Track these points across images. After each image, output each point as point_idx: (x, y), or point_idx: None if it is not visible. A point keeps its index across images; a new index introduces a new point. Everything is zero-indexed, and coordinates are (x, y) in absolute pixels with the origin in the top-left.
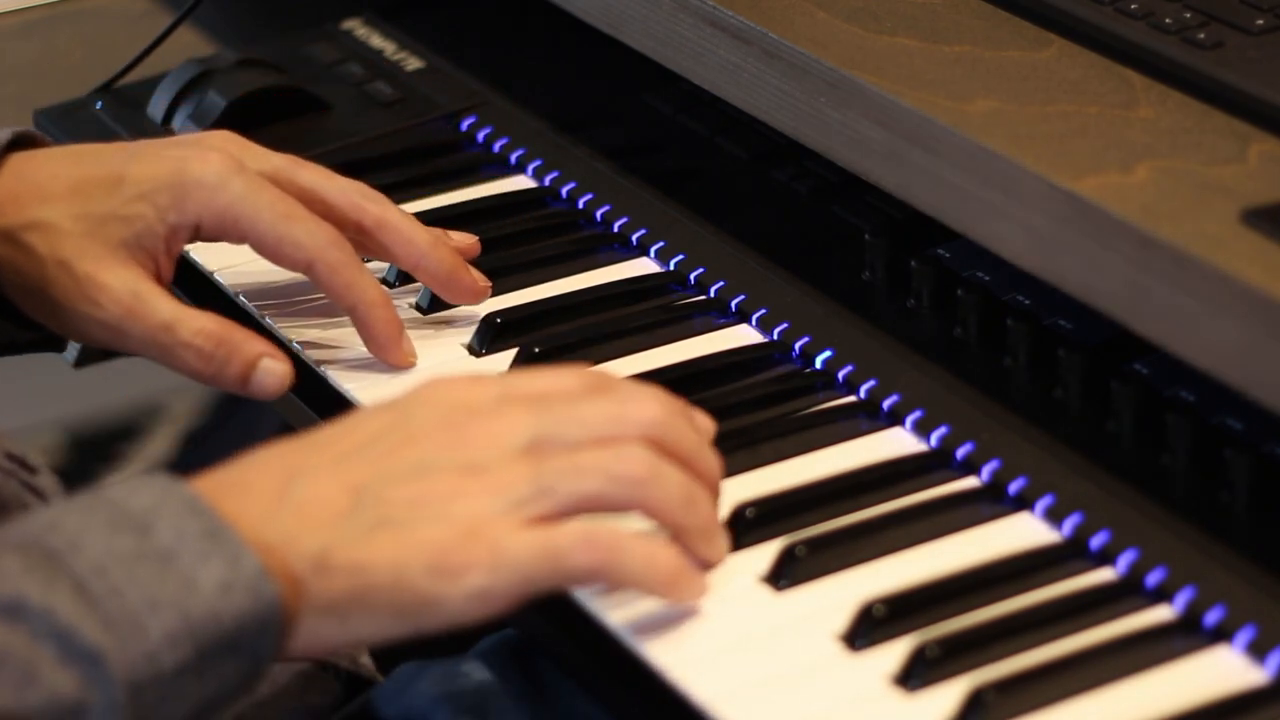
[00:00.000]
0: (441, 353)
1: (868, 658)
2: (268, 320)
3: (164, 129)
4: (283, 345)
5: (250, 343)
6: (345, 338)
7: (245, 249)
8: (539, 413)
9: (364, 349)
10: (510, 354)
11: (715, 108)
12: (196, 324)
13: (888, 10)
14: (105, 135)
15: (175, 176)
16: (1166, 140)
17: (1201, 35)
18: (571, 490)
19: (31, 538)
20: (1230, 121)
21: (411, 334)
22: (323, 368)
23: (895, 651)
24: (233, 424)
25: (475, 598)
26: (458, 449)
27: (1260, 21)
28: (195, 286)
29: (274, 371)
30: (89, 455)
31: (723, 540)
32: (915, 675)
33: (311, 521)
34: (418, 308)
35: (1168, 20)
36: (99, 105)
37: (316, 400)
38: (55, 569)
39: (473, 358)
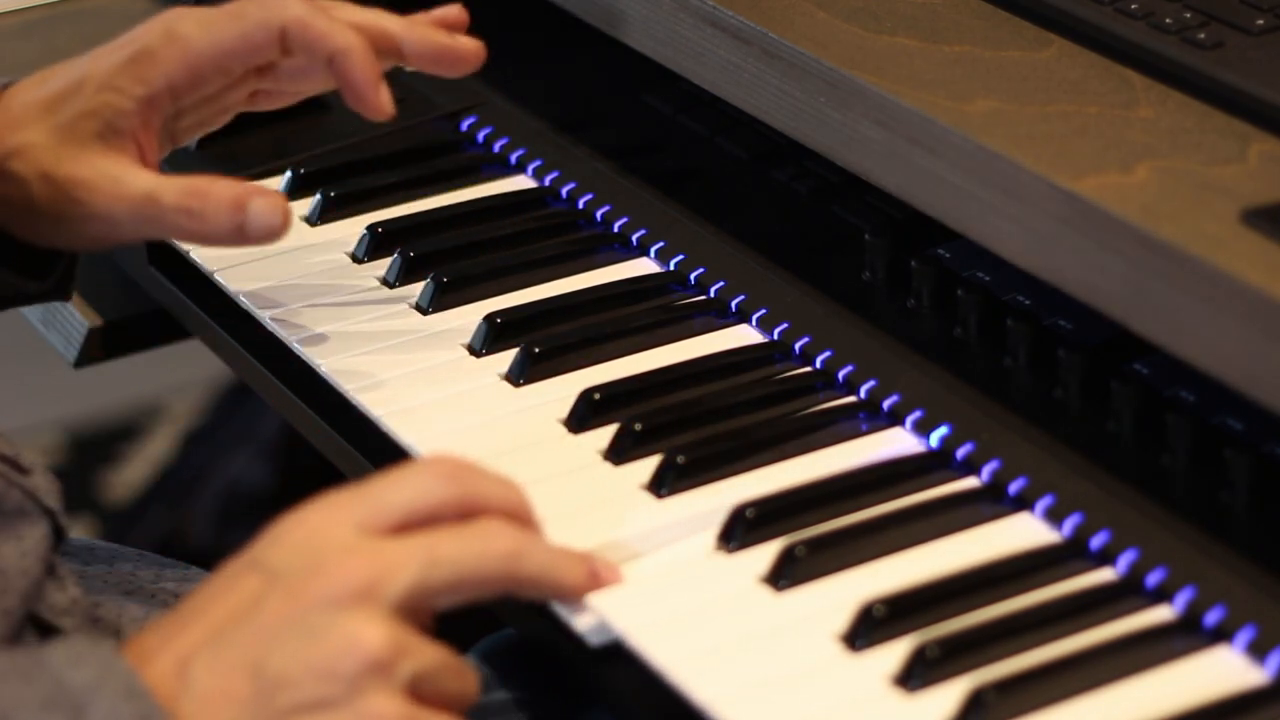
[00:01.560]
0: (442, 353)
1: (868, 658)
2: (268, 321)
3: None
4: (284, 346)
5: (234, 186)
6: (346, 338)
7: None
8: (411, 558)
9: (364, 349)
10: (510, 354)
11: (715, 108)
12: (178, 185)
13: (888, 10)
14: None
15: (129, 54)
16: (1166, 140)
17: (1201, 35)
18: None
19: None
20: (1230, 121)
21: (411, 334)
22: (323, 368)
23: (895, 652)
24: (233, 424)
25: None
26: (341, 599)
27: (1260, 21)
28: (195, 286)
29: (266, 209)
30: (89, 455)
31: (568, 563)
32: (915, 675)
33: (220, 714)
34: (418, 308)
35: (1168, 20)
36: None
37: (317, 402)
38: None
39: (473, 357)
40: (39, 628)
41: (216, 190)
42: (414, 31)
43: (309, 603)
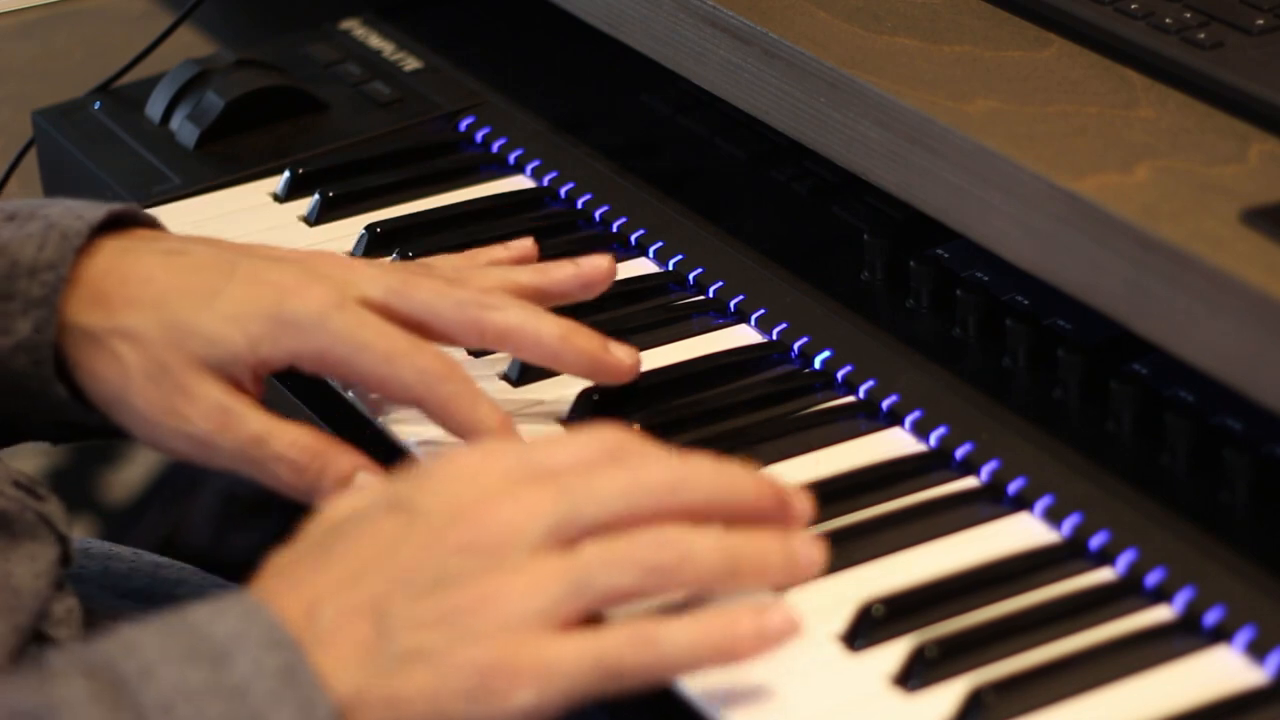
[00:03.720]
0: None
1: (867, 658)
2: None
3: (162, 129)
4: None
5: (345, 455)
6: None
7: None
8: (558, 497)
9: None
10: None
11: (715, 108)
12: (289, 436)
13: (888, 10)
14: (104, 135)
15: (272, 308)
16: (1166, 140)
17: (1201, 35)
18: (607, 585)
19: (105, 660)
20: (1230, 121)
21: None
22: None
23: (895, 652)
24: None
25: (524, 715)
26: (475, 550)
27: (1260, 21)
28: None
29: (360, 478)
30: (89, 455)
31: (794, 561)
32: (915, 675)
33: (341, 657)
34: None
35: (1168, 20)
36: (97, 105)
37: (317, 402)
38: (121, 701)
39: (472, 357)
40: (35, 637)
41: (329, 454)
42: (569, 345)
43: (446, 549)
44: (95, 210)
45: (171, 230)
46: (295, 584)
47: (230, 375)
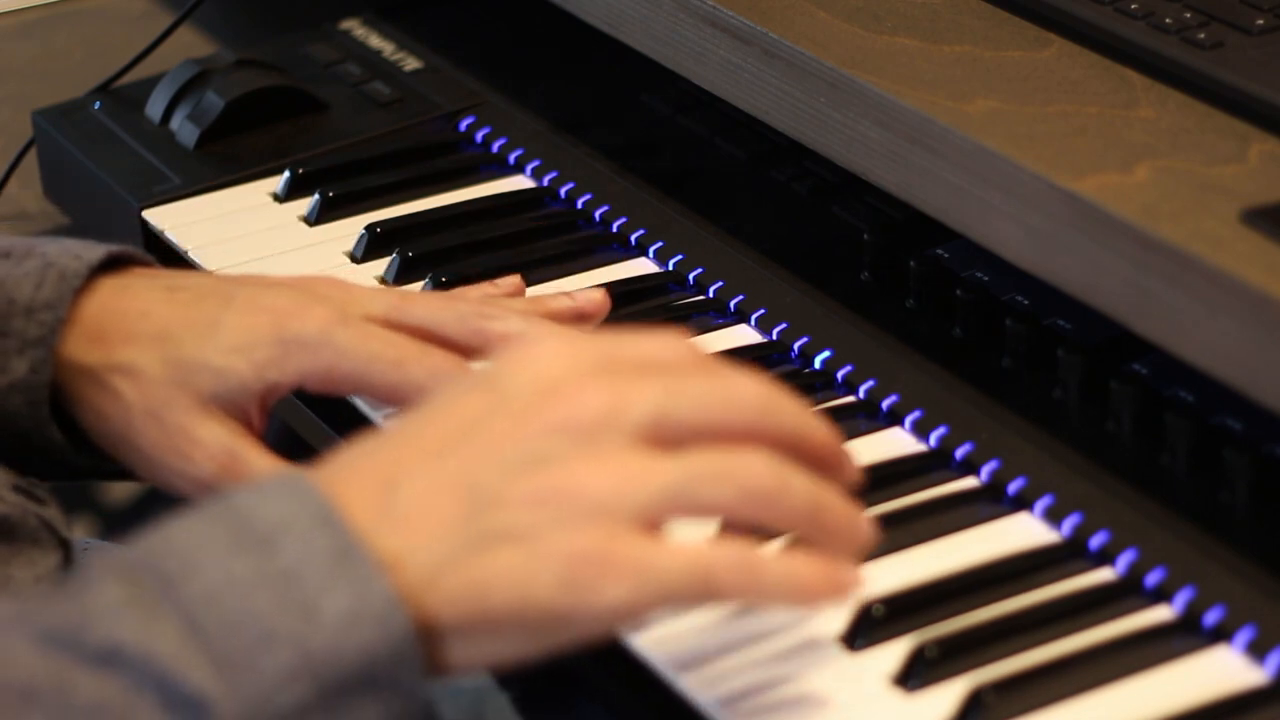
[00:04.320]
0: None
1: (867, 658)
2: None
3: (162, 129)
4: None
5: None
6: None
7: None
8: (654, 388)
9: None
10: None
11: (715, 108)
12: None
13: (888, 10)
14: (104, 135)
15: (274, 332)
16: (1166, 140)
17: (1201, 35)
18: (707, 497)
19: (143, 559)
20: (1230, 121)
21: None
22: None
23: (895, 652)
24: None
25: (615, 612)
26: (570, 431)
27: (1260, 21)
28: None
29: None
30: None
31: (858, 528)
32: (915, 675)
33: (421, 534)
34: None
35: (1168, 20)
36: (97, 105)
37: (316, 402)
38: (160, 601)
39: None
40: None
41: None
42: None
43: (538, 427)
44: (93, 250)
45: (171, 229)
46: (368, 462)
47: (237, 406)
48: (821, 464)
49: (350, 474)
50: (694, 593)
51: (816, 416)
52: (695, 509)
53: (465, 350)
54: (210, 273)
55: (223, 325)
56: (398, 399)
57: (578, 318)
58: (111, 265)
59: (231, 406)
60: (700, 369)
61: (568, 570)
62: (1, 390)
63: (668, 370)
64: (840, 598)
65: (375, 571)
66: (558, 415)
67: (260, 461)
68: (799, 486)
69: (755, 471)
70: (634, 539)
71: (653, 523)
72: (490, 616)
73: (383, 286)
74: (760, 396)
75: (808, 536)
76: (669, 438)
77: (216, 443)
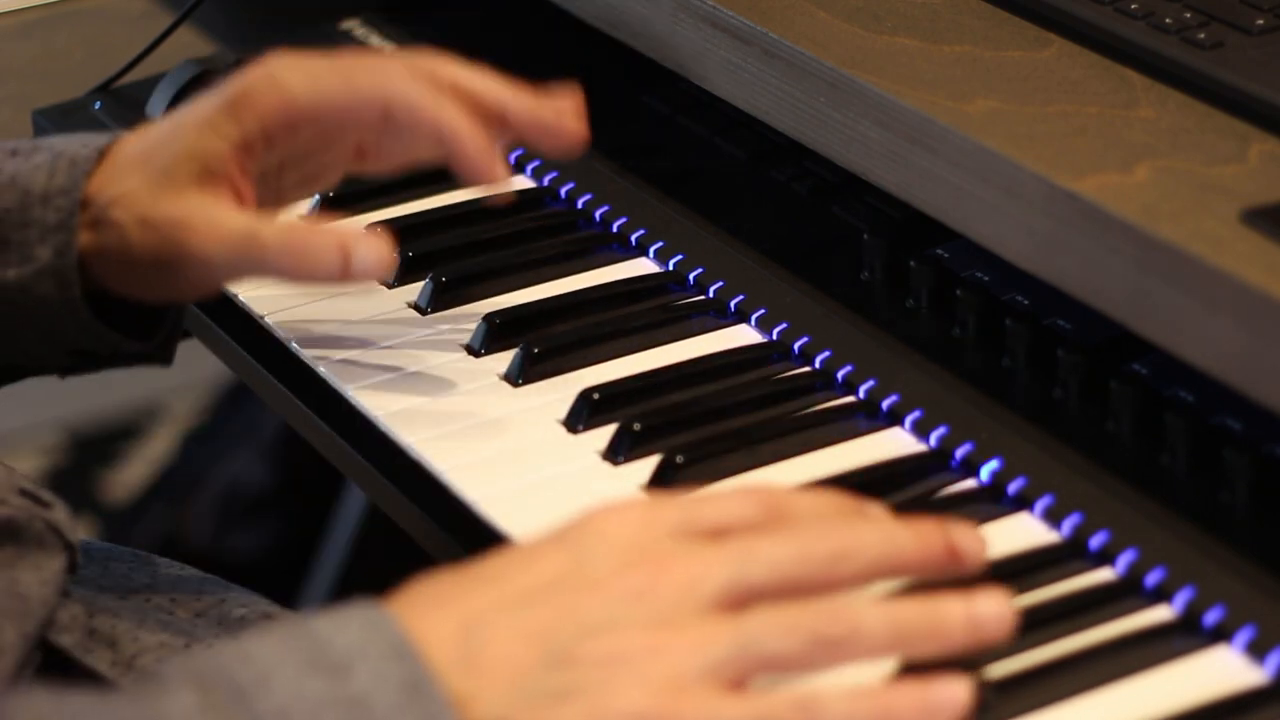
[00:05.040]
0: (441, 353)
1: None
2: (267, 321)
3: None
4: (283, 346)
5: (335, 229)
6: (346, 339)
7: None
8: (727, 557)
9: (363, 349)
10: (509, 354)
11: (715, 108)
12: (278, 225)
13: (888, 10)
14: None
15: (227, 96)
16: (1166, 140)
17: (1201, 35)
18: (774, 650)
19: (218, 669)
20: (1230, 121)
21: (409, 334)
22: (322, 368)
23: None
24: (233, 424)
25: None
26: (647, 600)
27: (1260, 21)
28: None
29: (373, 247)
30: (89, 455)
31: (953, 633)
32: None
33: (496, 680)
34: (417, 308)
35: (1168, 20)
36: (97, 105)
37: (316, 402)
38: (233, 710)
39: (472, 357)
40: (40, 645)
41: (320, 229)
42: (520, 101)
43: (617, 594)
44: (99, 137)
45: None
46: (449, 603)
47: (222, 177)
48: (930, 570)
49: (430, 611)
50: None
51: (904, 529)
52: (767, 664)
53: None
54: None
55: (184, 121)
56: (357, 118)
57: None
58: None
59: (214, 181)
60: (776, 524)
61: None
62: (30, 277)
63: (743, 531)
64: (930, 717)
65: (444, 708)
66: (637, 585)
67: (238, 218)
68: (873, 621)
69: (823, 618)
70: (702, 697)
71: (730, 682)
72: None
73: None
74: (835, 545)
75: (912, 655)
76: (742, 599)
77: (197, 214)
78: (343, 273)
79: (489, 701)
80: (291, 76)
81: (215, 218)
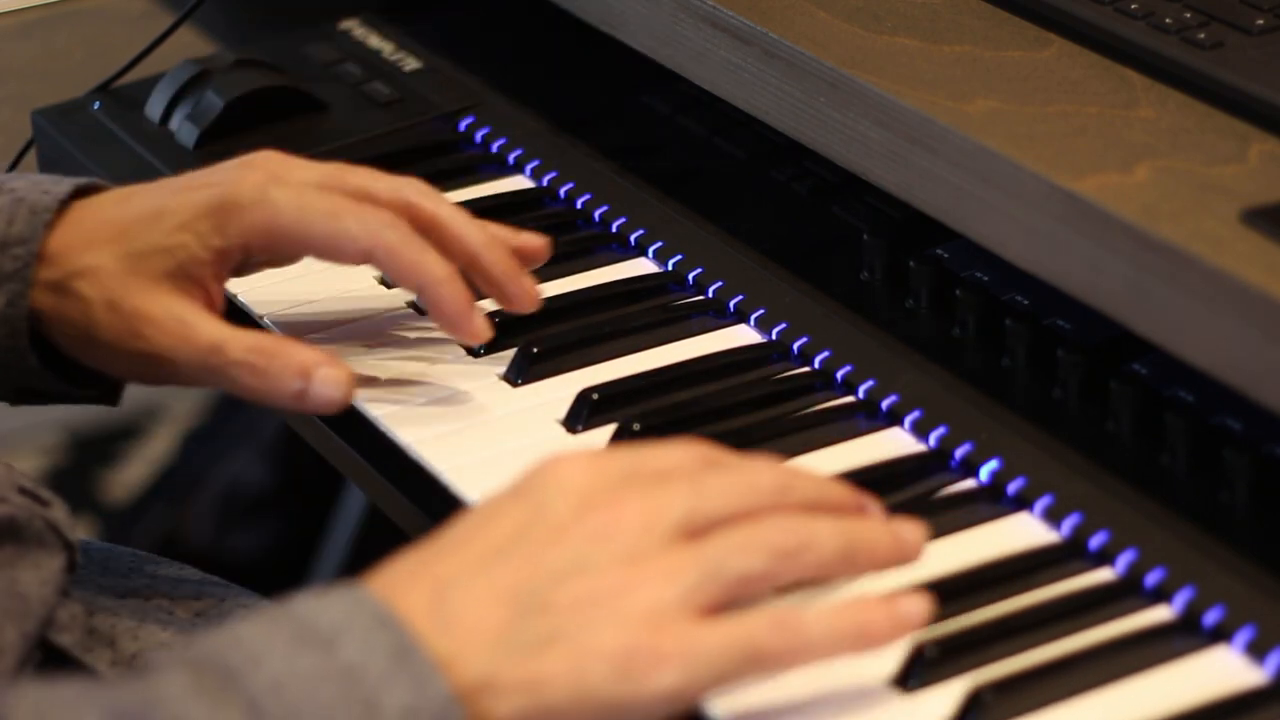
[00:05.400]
0: (440, 353)
1: (867, 658)
2: (267, 321)
3: (161, 129)
4: None
5: (303, 352)
6: (345, 339)
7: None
8: (681, 490)
9: (362, 350)
10: (509, 354)
11: (715, 108)
12: (246, 341)
13: (888, 10)
14: (104, 135)
15: (215, 201)
16: (1166, 140)
17: (1201, 35)
18: (738, 569)
19: (208, 654)
20: (1230, 121)
21: (409, 335)
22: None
23: (894, 652)
24: (233, 424)
25: (667, 698)
26: (610, 539)
27: (1260, 21)
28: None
29: (332, 379)
30: (89, 455)
31: (903, 542)
32: (914, 675)
33: (475, 638)
34: (416, 308)
35: (1168, 20)
36: (97, 105)
37: (332, 417)
38: (227, 688)
39: (471, 357)
40: (39, 644)
41: (285, 352)
42: (490, 254)
43: (579, 537)
44: (61, 184)
45: None
46: (418, 572)
47: (194, 280)
48: (846, 514)
49: (402, 582)
50: (742, 666)
51: (833, 482)
52: (735, 585)
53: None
54: (161, 180)
55: (167, 209)
56: (338, 252)
57: (517, 253)
58: (78, 195)
59: (188, 282)
60: (717, 466)
61: (619, 664)
62: None
63: (688, 474)
64: (900, 628)
65: (433, 670)
66: (597, 526)
67: (208, 325)
68: (824, 529)
69: (777, 532)
70: (680, 626)
71: (703, 609)
72: (549, 713)
73: (325, 164)
74: (776, 477)
75: (856, 571)
76: (699, 530)
77: (167, 315)
78: (299, 400)
79: (471, 660)
80: (282, 197)
81: (186, 321)
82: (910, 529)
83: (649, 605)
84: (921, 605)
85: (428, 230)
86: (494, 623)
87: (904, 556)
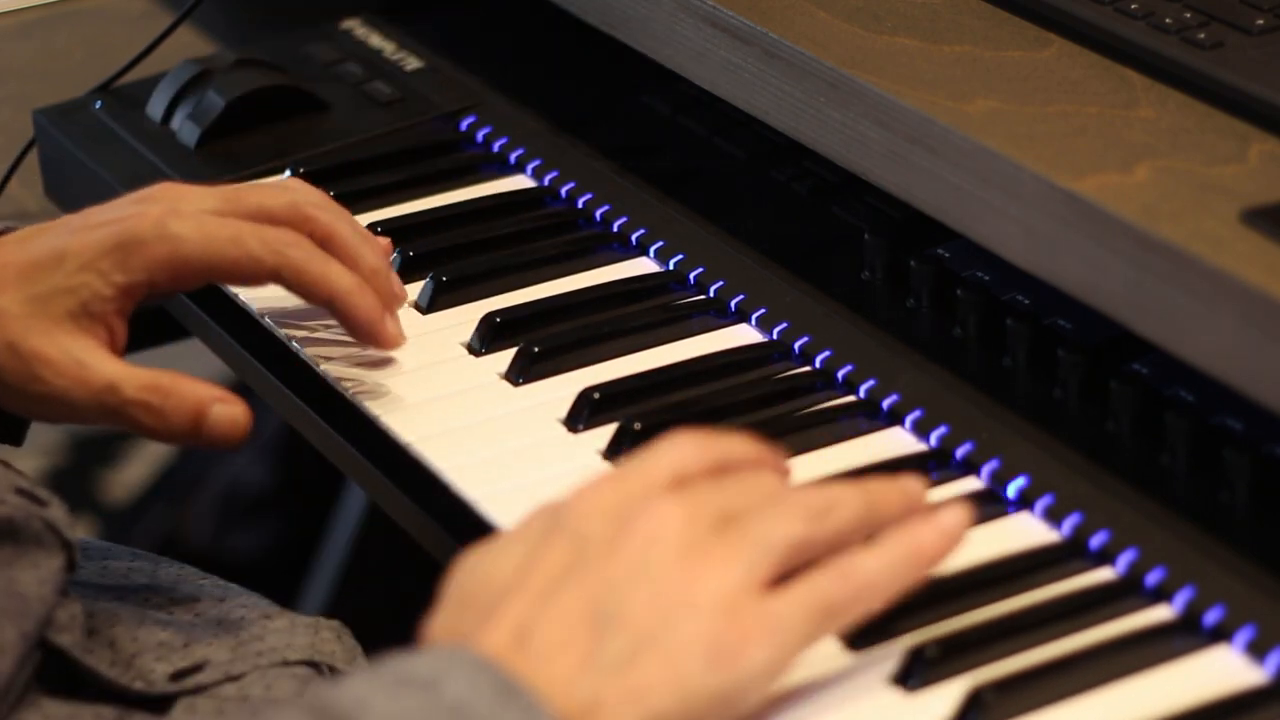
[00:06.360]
0: (441, 352)
1: (868, 658)
2: (268, 321)
3: (163, 128)
4: (284, 346)
5: (197, 389)
6: (345, 338)
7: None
8: (708, 487)
9: (363, 349)
10: (509, 353)
11: (715, 108)
12: (140, 380)
13: (888, 10)
14: (105, 135)
15: (116, 238)
16: (1166, 140)
17: (1201, 35)
18: (785, 537)
19: (318, 703)
20: (1230, 121)
21: (410, 334)
22: (323, 368)
23: (895, 651)
24: None
25: (763, 673)
26: (659, 540)
27: (1260, 21)
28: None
29: (226, 416)
30: (89, 455)
31: (911, 489)
32: (915, 675)
33: (567, 666)
34: (417, 307)
35: (1168, 20)
36: (98, 105)
37: (317, 402)
38: None
39: (472, 356)
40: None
41: (179, 390)
42: (363, 292)
43: (631, 547)
44: None
45: None
46: (485, 623)
47: (98, 319)
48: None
49: (474, 632)
50: (822, 623)
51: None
52: (787, 553)
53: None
54: (62, 218)
55: (69, 250)
56: (244, 276)
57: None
58: None
59: (90, 320)
60: (723, 457)
61: (710, 653)
62: None
63: (709, 471)
64: (949, 541)
65: (539, 701)
66: (641, 532)
67: (105, 365)
68: (838, 490)
69: (800, 493)
70: (753, 604)
71: (765, 583)
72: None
73: (218, 188)
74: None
75: (881, 523)
76: (735, 515)
77: (64, 356)
78: (194, 436)
79: (571, 687)
80: (183, 229)
81: (82, 362)
82: (909, 481)
83: (718, 591)
84: (961, 512)
85: (326, 243)
86: (580, 648)
87: (918, 498)
